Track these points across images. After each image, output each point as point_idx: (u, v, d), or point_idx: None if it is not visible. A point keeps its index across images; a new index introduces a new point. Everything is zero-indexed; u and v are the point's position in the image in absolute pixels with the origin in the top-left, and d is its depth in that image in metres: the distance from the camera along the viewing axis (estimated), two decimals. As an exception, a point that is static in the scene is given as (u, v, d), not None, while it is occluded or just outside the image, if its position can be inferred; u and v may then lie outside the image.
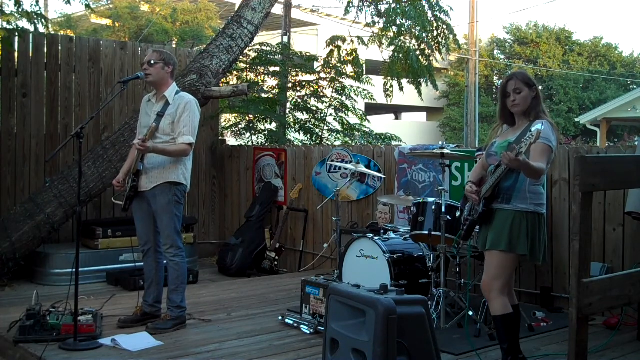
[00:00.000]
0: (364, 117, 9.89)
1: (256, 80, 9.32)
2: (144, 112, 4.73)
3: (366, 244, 5.07)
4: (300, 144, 9.05)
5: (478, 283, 4.19)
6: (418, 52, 8.80)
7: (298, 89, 9.42)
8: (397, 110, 28.57)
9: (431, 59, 9.11)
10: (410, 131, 23.24)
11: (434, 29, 8.96)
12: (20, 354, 4.09)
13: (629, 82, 27.44)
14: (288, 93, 9.35)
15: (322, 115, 9.36)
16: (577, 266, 2.61)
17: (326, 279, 4.82)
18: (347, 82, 9.37)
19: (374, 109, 22.36)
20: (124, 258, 6.79)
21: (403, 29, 8.69)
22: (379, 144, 9.11)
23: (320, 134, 9.31)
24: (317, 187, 7.24)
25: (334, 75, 9.19)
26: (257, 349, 4.17)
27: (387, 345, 2.94)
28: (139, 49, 8.05)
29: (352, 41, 9.23)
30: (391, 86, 9.50)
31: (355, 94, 9.41)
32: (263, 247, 7.40)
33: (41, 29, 7.12)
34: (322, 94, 9.33)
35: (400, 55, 8.70)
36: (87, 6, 7.42)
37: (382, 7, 8.93)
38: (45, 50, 7.28)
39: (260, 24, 7.15)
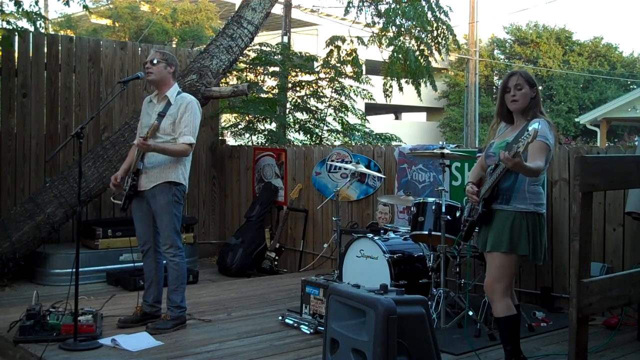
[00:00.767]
0: (364, 117, 9.89)
1: (256, 80, 9.32)
2: (145, 112, 4.73)
3: (366, 244, 5.07)
4: (300, 144, 9.05)
5: (478, 283, 4.21)
6: (417, 53, 8.81)
7: (298, 89, 9.42)
8: (397, 110, 28.57)
9: (430, 59, 9.11)
10: (410, 131, 23.24)
11: (434, 29, 8.96)
12: (20, 354, 4.09)
13: (629, 82, 27.44)
14: (288, 93, 9.35)
15: (321, 115, 9.37)
16: (577, 266, 2.61)
17: (326, 279, 4.82)
18: (347, 82, 9.37)
19: (373, 109, 22.38)
20: (124, 258, 6.79)
21: (403, 29, 8.69)
22: (379, 144, 9.11)
23: (320, 134, 9.31)
24: (317, 187, 7.24)
25: (333, 76, 9.19)
26: (257, 349, 4.17)
27: (387, 345, 2.94)
28: (139, 49, 8.05)
29: (351, 41, 9.24)
30: (391, 86, 9.50)
31: (355, 94, 9.42)
32: (263, 247, 7.40)
33: (41, 29, 7.12)
34: (321, 94, 9.33)
35: (400, 56, 8.70)
36: (85, 7, 7.40)
37: (382, 7, 8.93)
38: (45, 50, 7.28)
39: (260, 24, 7.15)
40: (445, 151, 4.81)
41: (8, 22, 7.17)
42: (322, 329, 3.81)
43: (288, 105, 9.38)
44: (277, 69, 9.22)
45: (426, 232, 4.78)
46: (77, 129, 4.21)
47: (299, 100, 9.38)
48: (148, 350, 4.09)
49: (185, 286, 4.65)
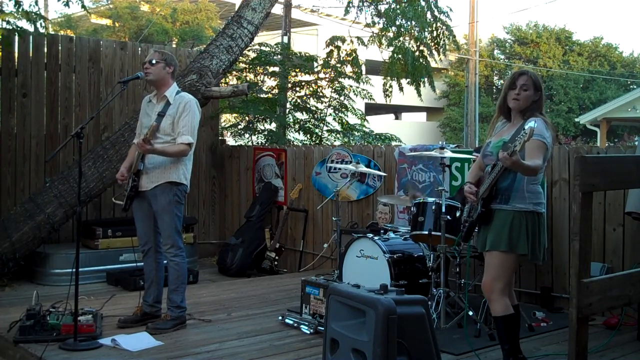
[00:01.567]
0: (363, 117, 9.90)
1: (256, 80, 9.33)
2: (144, 112, 4.73)
3: (366, 244, 5.07)
4: (300, 144, 9.05)
5: (478, 283, 4.20)
6: (417, 53, 8.81)
7: (297, 89, 9.42)
8: (397, 110, 28.58)
9: (430, 59, 9.11)
10: (410, 131, 23.24)
11: (433, 29, 8.96)
12: (20, 354, 4.09)
13: (629, 82, 27.44)
14: (288, 93, 9.35)
15: (321, 115, 9.37)
16: (577, 266, 2.61)
17: (326, 279, 4.82)
18: (347, 82, 9.37)
19: (374, 109, 22.38)
20: (124, 258, 6.79)
21: (402, 29, 8.69)
22: (379, 144, 9.11)
23: (320, 134, 9.31)
24: (317, 187, 7.24)
25: (333, 76, 9.19)
26: (257, 349, 4.17)
27: (387, 345, 2.94)
28: (139, 49, 8.05)
29: (351, 41, 9.24)
30: (390, 86, 9.50)
31: (355, 94, 9.42)
32: (263, 247, 7.40)
33: (40, 29, 7.11)
34: (321, 94, 9.33)
35: (399, 56, 8.70)
36: (83, 7, 7.39)
37: (382, 7, 8.93)
38: (45, 50, 7.28)
39: (260, 24, 7.15)
40: (445, 152, 4.81)
41: (8, 22, 7.17)
42: (322, 329, 3.81)
43: (288, 105, 9.38)
44: (277, 69, 9.22)
45: (426, 232, 4.78)
46: (77, 129, 4.21)
47: (298, 101, 9.38)
48: (148, 350, 4.09)
49: (185, 286, 4.65)
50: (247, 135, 9.31)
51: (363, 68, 9.62)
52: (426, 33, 8.83)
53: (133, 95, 7.80)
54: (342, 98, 9.36)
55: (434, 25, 8.94)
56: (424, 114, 30.06)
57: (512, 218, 3.50)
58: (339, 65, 9.19)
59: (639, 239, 4.86)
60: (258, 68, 9.30)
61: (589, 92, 26.32)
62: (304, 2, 36.44)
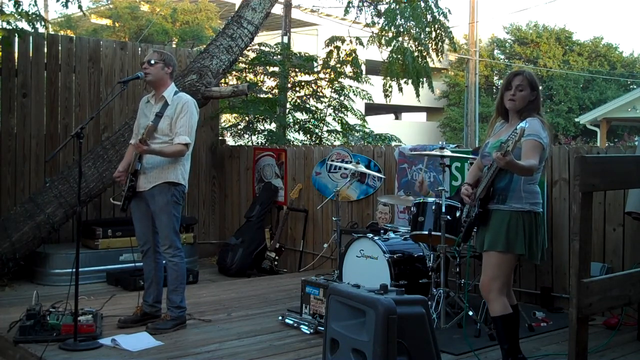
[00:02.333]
0: (363, 118, 9.90)
1: (255, 80, 9.33)
2: (141, 113, 4.72)
3: (366, 244, 5.07)
4: (300, 144, 9.05)
5: (478, 283, 4.19)
6: (416, 54, 8.81)
7: (297, 89, 9.42)
8: (397, 110, 28.57)
9: (428, 60, 9.11)
10: (410, 131, 23.24)
11: (432, 30, 8.96)
12: (20, 354, 4.09)
13: (629, 82, 27.43)
14: (287, 93, 9.35)
15: (321, 115, 9.37)
16: (577, 266, 2.61)
17: (326, 279, 4.82)
18: (347, 82, 9.37)
19: (374, 109, 22.38)
20: (124, 258, 6.79)
21: (402, 30, 8.69)
22: (379, 144, 9.12)
23: (319, 134, 9.31)
24: (317, 187, 7.24)
25: (333, 77, 9.20)
26: (257, 349, 4.17)
27: (387, 345, 2.94)
28: (139, 49, 8.05)
29: (350, 41, 9.24)
30: (390, 86, 9.50)
31: (355, 94, 9.42)
32: (263, 247, 7.40)
33: (41, 29, 7.12)
34: (321, 94, 9.33)
35: (398, 56, 8.70)
36: (80, 7, 7.40)
37: (382, 8, 8.94)
38: (45, 50, 7.28)
39: (260, 24, 7.15)
40: (445, 151, 4.81)
41: (8, 23, 7.17)
42: (322, 329, 3.81)
43: (288, 105, 9.38)
44: (276, 69, 9.22)
45: (426, 232, 4.78)
46: (77, 129, 4.21)
47: (298, 101, 9.38)
48: (148, 350, 4.09)
49: (184, 286, 4.65)
50: (247, 135, 9.31)
51: (363, 68, 9.63)
52: (425, 34, 8.83)
53: (133, 95, 7.80)
54: (342, 98, 9.36)
55: (433, 27, 8.94)
56: (424, 114, 30.06)
57: (509, 218, 3.51)
58: (338, 65, 9.19)
59: (639, 239, 4.86)
60: (258, 68, 9.30)
61: (589, 92, 26.31)
62: (304, 2, 36.46)
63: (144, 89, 7.59)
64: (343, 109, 9.38)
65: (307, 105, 9.34)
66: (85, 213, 7.31)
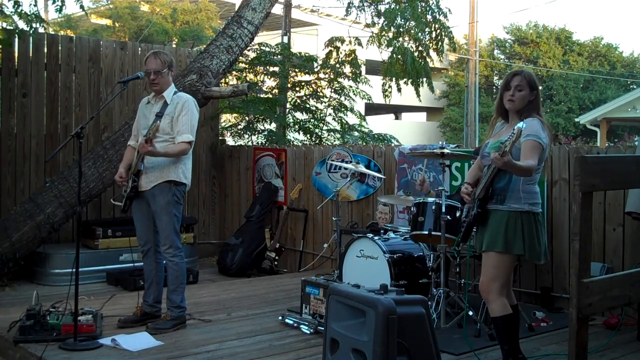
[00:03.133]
0: (363, 118, 9.90)
1: (256, 80, 9.32)
2: (141, 114, 4.72)
3: (366, 244, 5.07)
4: (300, 144, 9.05)
5: (478, 283, 4.20)
6: (417, 54, 8.81)
7: (297, 89, 9.42)
8: (397, 110, 28.57)
9: (428, 60, 9.11)
10: (410, 131, 23.26)
11: (432, 30, 8.96)
12: (20, 354, 4.09)
13: (629, 82, 27.43)
14: (288, 93, 9.35)
15: (321, 115, 9.37)
16: (577, 266, 2.61)
17: (326, 279, 4.82)
18: (346, 82, 9.37)
19: (374, 109, 22.37)
20: (124, 258, 6.79)
21: (402, 30, 8.69)
22: (378, 144, 9.11)
23: (319, 134, 9.31)
24: (317, 187, 7.24)
25: (332, 77, 9.19)
26: (257, 349, 4.17)
27: (387, 345, 2.94)
28: (139, 49, 8.05)
29: (350, 42, 9.24)
30: (390, 87, 9.50)
31: (354, 94, 9.42)
32: (263, 247, 7.40)
33: (40, 30, 7.11)
34: (321, 94, 9.33)
35: (399, 56, 8.70)
36: (81, 6, 7.40)
37: (382, 8, 8.94)
38: (45, 50, 7.28)
39: (260, 24, 7.15)
40: (445, 151, 4.81)
41: (9, 24, 7.16)
42: (322, 329, 3.81)
43: (288, 105, 9.38)
44: (276, 69, 9.22)
45: (426, 232, 4.78)
46: (77, 129, 4.21)
47: (298, 101, 9.38)
48: (148, 350, 4.09)
49: (185, 286, 4.65)
50: (247, 135, 9.31)
51: (363, 68, 9.63)
52: (424, 34, 8.82)
53: (133, 95, 7.80)
54: (342, 98, 9.36)
55: (433, 27, 8.94)
56: (424, 114, 30.06)
57: (507, 219, 3.50)
58: (338, 65, 9.19)
59: (639, 239, 4.86)
60: (258, 68, 9.30)
61: (589, 92, 26.31)
62: (304, 2, 36.43)
63: (144, 89, 7.60)
64: (343, 109, 9.38)
65: (307, 105, 9.35)
66: (85, 213, 7.31)
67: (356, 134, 9.69)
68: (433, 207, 4.79)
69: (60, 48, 7.37)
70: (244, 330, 4.60)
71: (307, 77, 9.47)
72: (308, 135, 9.28)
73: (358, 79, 9.28)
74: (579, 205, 2.63)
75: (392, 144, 9.22)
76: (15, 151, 7.06)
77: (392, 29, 8.67)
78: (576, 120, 22.93)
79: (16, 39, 7.02)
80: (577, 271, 2.59)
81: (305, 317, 4.66)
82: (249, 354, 4.07)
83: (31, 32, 6.98)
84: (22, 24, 7.08)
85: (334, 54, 9.21)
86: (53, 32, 10.81)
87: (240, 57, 7.92)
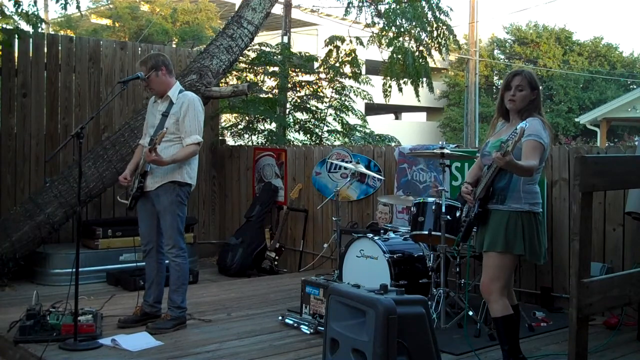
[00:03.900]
0: (363, 118, 9.90)
1: (256, 80, 9.32)
2: (149, 111, 4.75)
3: (366, 244, 5.07)
4: (300, 144, 9.05)
5: (478, 283, 4.20)
6: (417, 54, 8.80)
7: (298, 89, 9.41)
8: (397, 110, 28.57)
9: (429, 60, 9.10)
10: (410, 131, 23.26)
11: (434, 29, 8.96)
12: (20, 354, 4.09)
13: (629, 82, 27.43)
14: (288, 93, 9.35)
15: (321, 115, 9.36)
16: (577, 266, 2.60)
17: (326, 279, 4.82)
18: (347, 82, 9.37)
19: (374, 109, 22.35)
20: (124, 258, 6.79)
21: (402, 30, 8.69)
22: (378, 144, 9.11)
23: (320, 134, 9.31)
24: (317, 187, 7.24)
25: (332, 76, 9.19)
26: (257, 349, 4.17)
27: (387, 345, 2.94)
28: (139, 49, 8.05)
29: (350, 41, 9.24)
30: (390, 86, 9.50)
31: (355, 94, 9.42)
32: (263, 247, 7.40)
33: (40, 30, 7.11)
34: (321, 94, 9.33)
35: (399, 56, 8.70)
36: (78, 7, 7.39)
37: (382, 8, 8.94)
38: (45, 50, 7.27)
39: (260, 24, 7.15)
40: (445, 151, 4.81)
41: (9, 24, 7.16)
42: (322, 329, 3.81)
43: (288, 105, 9.38)
44: (277, 69, 9.22)
45: (426, 232, 4.78)
46: (77, 129, 4.21)
47: (299, 101, 9.38)
48: (148, 350, 4.09)
49: (186, 287, 4.66)
50: (247, 135, 9.31)
51: (363, 68, 9.62)
52: (426, 33, 8.82)
53: (133, 95, 7.80)
54: (342, 98, 9.36)
55: (434, 25, 8.94)
56: (424, 114, 30.06)
57: (507, 219, 3.50)
58: (338, 65, 9.18)
59: (639, 239, 4.85)
60: (258, 68, 9.30)
61: (589, 92, 26.31)
62: (304, 2, 36.43)
63: (144, 89, 7.58)
64: (344, 109, 9.37)
65: (308, 105, 9.34)
66: (85, 213, 7.31)
67: (357, 134, 9.68)
68: (433, 207, 4.79)
69: (60, 48, 7.37)
70: (244, 330, 4.60)
71: (307, 77, 9.47)
72: (308, 136, 9.28)
73: (359, 79, 9.27)
74: (579, 205, 2.62)
75: (393, 144, 9.23)
76: (15, 151, 7.06)
77: (393, 29, 8.67)
78: (576, 120, 22.93)
79: (16, 39, 7.02)
80: (577, 271, 2.59)
81: (305, 317, 4.66)
82: (249, 354, 4.07)
83: (31, 32, 6.99)
84: (22, 24, 7.09)
85: (334, 53, 9.20)
86: (53, 32, 10.82)
87: (241, 57, 7.92)
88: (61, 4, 7.09)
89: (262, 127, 9.31)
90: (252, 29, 7.05)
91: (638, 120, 20.13)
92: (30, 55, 7.17)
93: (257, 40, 8.05)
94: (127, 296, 5.63)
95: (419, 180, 6.25)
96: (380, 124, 18.54)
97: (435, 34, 8.97)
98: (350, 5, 9.08)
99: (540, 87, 3.80)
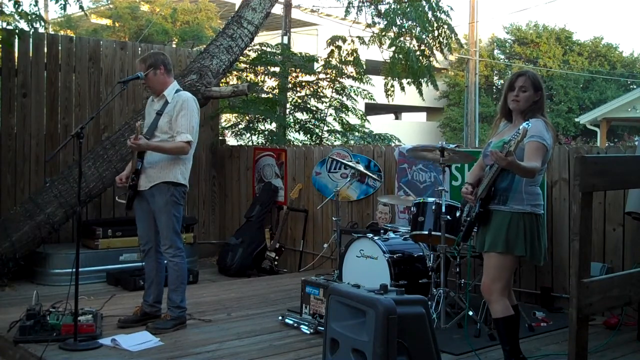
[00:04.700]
0: (364, 118, 9.89)
1: (256, 80, 9.32)
2: (147, 112, 4.75)
3: (366, 244, 5.07)
4: (300, 144, 9.05)
5: (478, 283, 4.20)
6: (418, 53, 8.80)
7: (298, 89, 9.41)
8: (397, 110, 28.57)
9: (431, 59, 9.10)
10: (410, 131, 23.23)
11: (435, 29, 8.96)
12: (20, 354, 4.09)
13: (629, 82, 27.43)
14: (288, 93, 9.34)
15: (322, 115, 9.36)
16: (577, 266, 2.60)
17: (326, 279, 4.82)
18: (347, 82, 9.36)
19: (374, 109, 22.36)
20: (124, 258, 6.79)
21: (403, 29, 8.69)
22: (378, 144, 9.11)
23: (320, 134, 9.31)
24: (317, 187, 7.24)
25: (334, 76, 9.18)
26: (257, 349, 4.17)
27: (387, 345, 2.94)
28: (139, 49, 8.05)
29: (352, 41, 9.23)
30: (392, 86, 9.49)
31: (356, 94, 9.41)
32: (263, 247, 7.40)
33: (41, 30, 7.11)
34: (322, 94, 9.32)
35: (401, 56, 8.70)
36: (81, 7, 7.41)
37: (383, 8, 8.94)
38: (45, 50, 7.28)
39: (261, 24, 7.15)
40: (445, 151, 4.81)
41: (8, 23, 7.16)
42: (322, 329, 3.81)
43: (288, 105, 9.38)
44: (277, 69, 9.21)
45: (426, 232, 4.78)
46: (77, 129, 4.21)
47: (299, 101, 9.38)
48: (148, 350, 4.09)
49: (185, 286, 4.65)
50: (247, 135, 9.31)
51: (364, 68, 9.61)
52: (428, 33, 8.82)
53: (133, 95, 7.80)
54: (343, 98, 9.36)
55: (435, 25, 8.94)
56: (424, 114, 30.06)
57: (509, 219, 3.50)
58: (340, 65, 9.18)
59: (639, 239, 4.85)
60: (258, 68, 9.30)
61: (589, 92, 26.31)
62: (304, 2, 36.42)
63: (144, 89, 7.57)
64: (344, 109, 9.37)
65: (308, 105, 9.34)
66: (85, 213, 7.31)
67: (357, 134, 9.68)
68: (433, 207, 4.79)
69: (60, 48, 7.37)
70: (244, 330, 4.60)
71: (308, 78, 9.47)
72: (308, 136, 9.28)
73: (362, 79, 9.27)
74: (579, 205, 2.62)
75: (393, 144, 9.22)
76: (15, 151, 7.06)
77: (394, 28, 8.67)
78: (576, 120, 22.93)
79: (16, 39, 7.02)
80: (577, 271, 2.59)
81: (305, 317, 4.66)
82: (249, 354, 4.07)
83: (31, 32, 6.99)
84: (22, 24, 7.09)
85: (336, 53, 9.20)
86: (53, 32, 10.82)
87: (241, 57, 7.92)
88: (60, 4, 7.10)
89: (262, 127, 9.31)
90: (252, 29, 7.05)
91: (638, 120, 20.13)
92: (30, 55, 7.17)
93: (257, 40, 8.05)
94: (127, 296, 5.63)
95: (419, 180, 6.25)
96: (380, 124, 18.52)
97: (436, 33, 8.96)
98: (350, 5, 9.08)
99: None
